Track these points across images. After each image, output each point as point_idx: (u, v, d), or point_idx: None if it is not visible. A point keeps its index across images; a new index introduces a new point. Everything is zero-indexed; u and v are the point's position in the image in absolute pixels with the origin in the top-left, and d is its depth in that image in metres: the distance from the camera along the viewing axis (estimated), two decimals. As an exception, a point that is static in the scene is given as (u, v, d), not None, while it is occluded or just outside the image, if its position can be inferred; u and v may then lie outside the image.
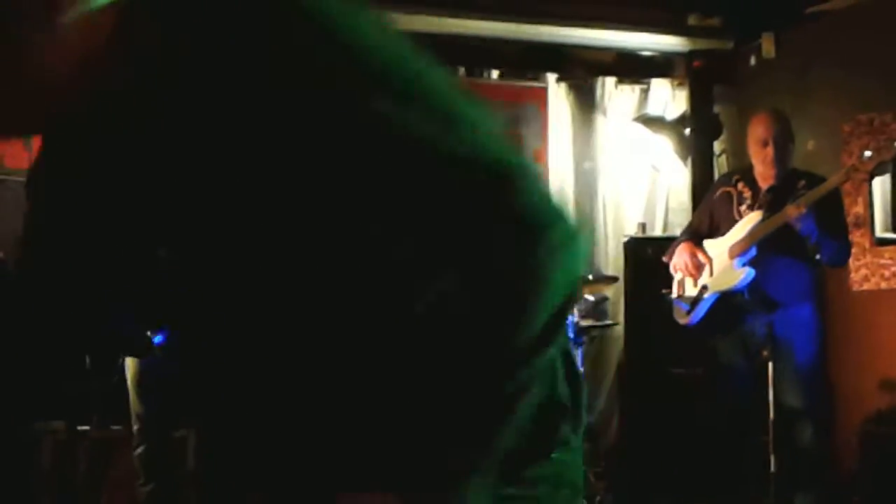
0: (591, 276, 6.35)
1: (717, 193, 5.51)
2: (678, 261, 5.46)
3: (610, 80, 7.84)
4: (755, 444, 5.17)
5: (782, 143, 5.25)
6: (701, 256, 5.37)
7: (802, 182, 5.20)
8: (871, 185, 6.50)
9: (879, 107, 6.61)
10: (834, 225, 5.15)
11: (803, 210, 4.93)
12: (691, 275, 5.40)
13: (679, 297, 5.52)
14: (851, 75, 6.83)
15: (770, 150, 5.22)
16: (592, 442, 6.65)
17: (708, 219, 5.54)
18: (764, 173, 5.29)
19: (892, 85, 6.52)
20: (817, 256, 5.16)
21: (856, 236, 6.41)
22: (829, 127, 6.92)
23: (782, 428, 5.03)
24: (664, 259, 5.64)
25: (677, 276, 5.54)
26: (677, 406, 6.38)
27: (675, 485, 6.26)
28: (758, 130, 5.33)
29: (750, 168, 5.40)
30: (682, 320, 5.49)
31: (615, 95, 7.85)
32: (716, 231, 5.45)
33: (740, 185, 5.38)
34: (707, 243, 5.43)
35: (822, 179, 5.22)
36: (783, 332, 5.08)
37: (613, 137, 7.80)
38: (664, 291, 5.62)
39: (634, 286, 6.97)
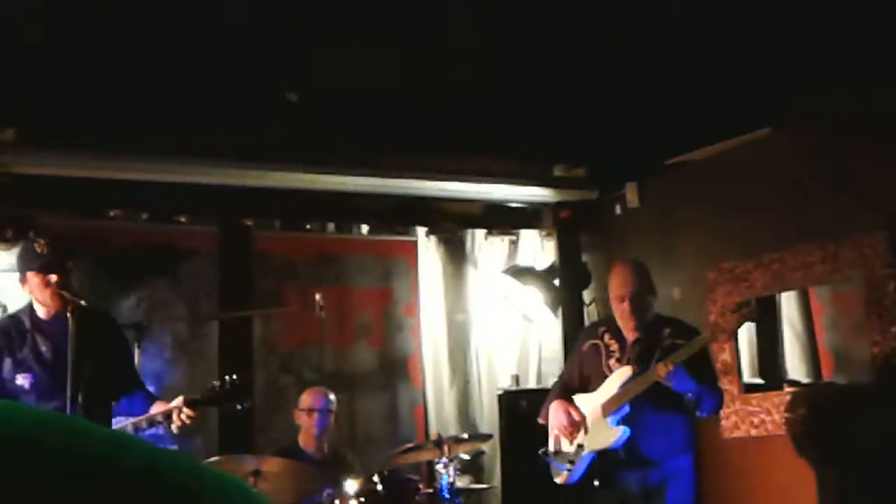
0: (466, 435, 6.26)
1: (585, 346, 5.50)
2: (554, 421, 5.41)
3: (479, 232, 7.90)
4: None
5: (639, 296, 5.26)
6: (575, 414, 5.32)
7: (668, 330, 5.22)
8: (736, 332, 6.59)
9: (741, 254, 6.75)
10: (706, 376, 5.17)
11: (671, 368, 4.94)
12: (568, 434, 5.35)
13: (556, 455, 5.44)
14: (713, 224, 7.01)
15: (627, 304, 5.25)
16: None
17: (578, 372, 5.51)
18: (625, 326, 5.31)
19: (751, 233, 6.70)
20: (698, 412, 5.14)
21: (724, 383, 6.48)
22: (694, 274, 7.06)
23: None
24: (539, 420, 5.58)
25: (553, 434, 5.48)
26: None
27: None
28: (614, 285, 5.36)
29: (614, 318, 5.42)
30: (560, 480, 5.41)
31: (485, 247, 7.90)
32: (586, 384, 5.42)
33: (607, 338, 5.38)
34: (579, 399, 5.39)
35: (687, 326, 5.28)
36: (659, 485, 5.07)
37: (484, 289, 7.82)
38: (541, 451, 5.53)
39: (510, 440, 6.92)
